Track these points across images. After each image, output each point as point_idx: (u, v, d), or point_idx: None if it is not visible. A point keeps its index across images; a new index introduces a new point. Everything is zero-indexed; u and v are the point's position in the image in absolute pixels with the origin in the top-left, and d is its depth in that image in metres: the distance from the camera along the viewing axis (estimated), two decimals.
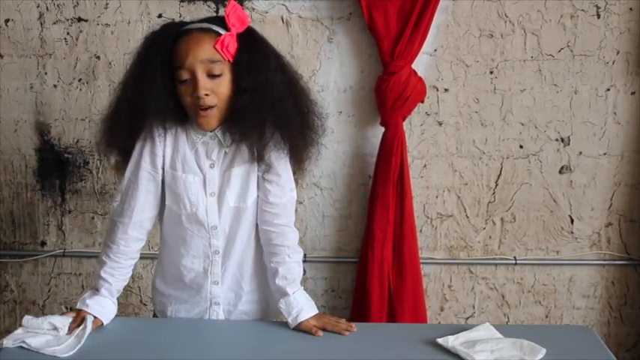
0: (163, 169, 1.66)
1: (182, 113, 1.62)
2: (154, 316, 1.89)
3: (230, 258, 1.72)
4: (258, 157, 1.63)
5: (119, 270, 1.68)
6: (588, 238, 2.63)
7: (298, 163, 1.71)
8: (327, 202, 2.61)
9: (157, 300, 1.84)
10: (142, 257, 1.80)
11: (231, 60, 1.57)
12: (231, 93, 1.58)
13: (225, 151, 1.65)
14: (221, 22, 1.59)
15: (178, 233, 1.70)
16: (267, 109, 1.58)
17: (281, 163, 1.67)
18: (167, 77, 1.56)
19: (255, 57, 1.58)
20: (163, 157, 1.65)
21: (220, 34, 1.56)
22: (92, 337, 1.57)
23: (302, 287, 1.74)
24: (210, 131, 1.63)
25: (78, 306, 1.65)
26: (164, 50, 1.56)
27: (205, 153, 1.65)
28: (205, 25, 1.59)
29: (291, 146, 1.65)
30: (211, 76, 1.55)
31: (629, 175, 2.58)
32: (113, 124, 1.64)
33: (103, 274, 1.67)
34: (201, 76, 1.54)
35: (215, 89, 1.56)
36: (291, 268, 1.71)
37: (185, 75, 1.55)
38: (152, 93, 1.55)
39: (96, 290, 1.68)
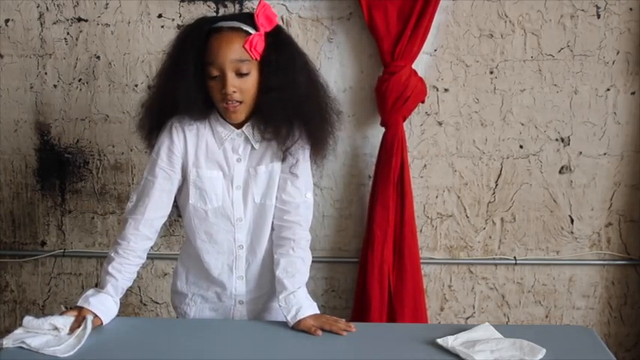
0: (185, 168, 1.72)
1: (208, 106, 1.68)
2: None
3: (255, 254, 1.78)
4: (286, 154, 1.70)
5: (127, 267, 1.70)
6: (588, 238, 2.62)
7: (318, 155, 1.78)
8: (327, 202, 2.61)
9: (180, 302, 1.86)
10: None
11: (258, 59, 1.64)
12: (257, 90, 1.65)
13: (253, 147, 1.72)
14: (251, 20, 1.66)
15: (204, 230, 1.75)
16: (294, 107, 1.65)
17: (303, 165, 1.75)
18: (199, 70, 1.63)
19: (282, 56, 1.66)
20: (185, 156, 1.71)
21: (250, 34, 1.63)
22: (92, 337, 1.57)
23: (304, 288, 1.74)
24: (238, 128, 1.70)
25: (79, 303, 1.65)
26: (197, 45, 1.63)
27: (232, 148, 1.72)
28: (236, 24, 1.65)
29: (314, 141, 1.72)
30: (239, 74, 1.62)
31: (629, 175, 2.58)
32: (147, 113, 1.74)
33: (110, 270, 1.68)
34: (230, 75, 1.62)
35: (242, 87, 1.63)
36: (293, 261, 1.73)
37: (215, 72, 1.63)
38: (185, 84, 1.63)
39: (101, 287, 1.69)
